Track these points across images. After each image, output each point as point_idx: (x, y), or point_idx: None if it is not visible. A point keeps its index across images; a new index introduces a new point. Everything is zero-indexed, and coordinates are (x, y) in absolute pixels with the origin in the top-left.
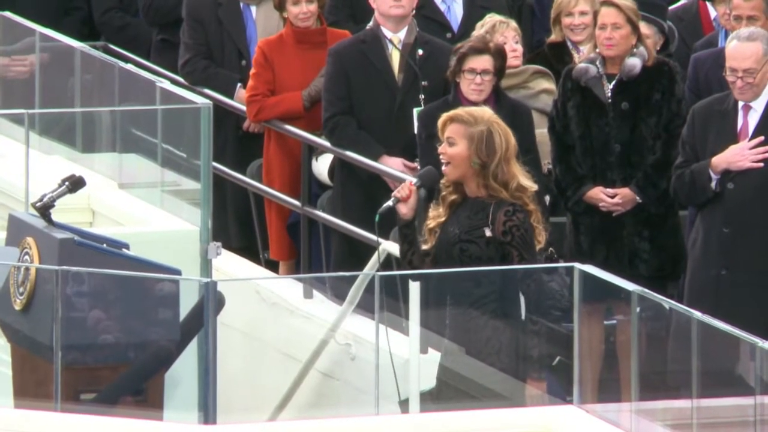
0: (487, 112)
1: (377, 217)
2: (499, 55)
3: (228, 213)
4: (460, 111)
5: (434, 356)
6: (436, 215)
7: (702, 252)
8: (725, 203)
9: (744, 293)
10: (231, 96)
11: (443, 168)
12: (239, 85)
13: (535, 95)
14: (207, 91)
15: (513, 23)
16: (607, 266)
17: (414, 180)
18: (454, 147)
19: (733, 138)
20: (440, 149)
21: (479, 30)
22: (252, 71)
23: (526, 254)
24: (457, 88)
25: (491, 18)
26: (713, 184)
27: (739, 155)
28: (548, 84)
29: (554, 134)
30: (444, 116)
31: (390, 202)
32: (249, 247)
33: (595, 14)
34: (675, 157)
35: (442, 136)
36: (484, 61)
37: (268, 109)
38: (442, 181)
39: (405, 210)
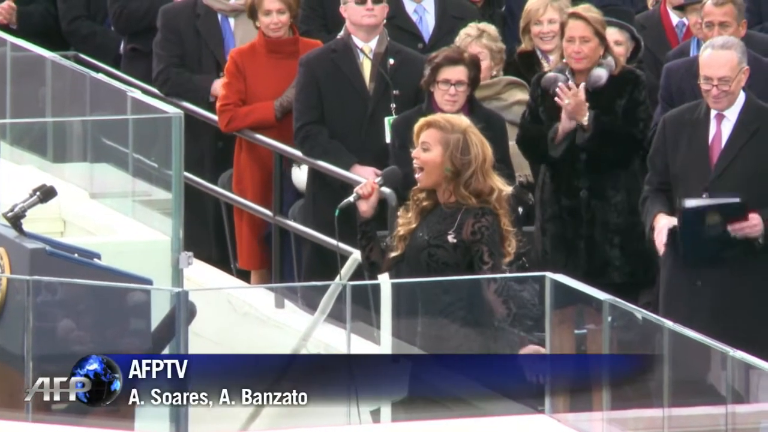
0: (464, 120)
1: (337, 212)
2: (474, 65)
3: (208, 225)
4: (438, 117)
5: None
6: (405, 222)
7: (675, 262)
8: None
9: (717, 304)
10: (207, 99)
11: (416, 175)
12: (215, 81)
13: (508, 107)
14: (184, 103)
15: (500, 44)
16: (576, 274)
17: (377, 179)
18: (428, 153)
19: (705, 147)
20: (414, 154)
21: (464, 40)
22: (224, 80)
23: (495, 251)
24: (431, 98)
25: (479, 29)
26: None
27: (658, 243)
28: (522, 95)
29: (523, 126)
30: (421, 121)
31: (351, 198)
32: (225, 259)
33: (562, 25)
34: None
35: (416, 140)
36: (459, 72)
37: (239, 119)
38: (415, 188)
39: (365, 207)
